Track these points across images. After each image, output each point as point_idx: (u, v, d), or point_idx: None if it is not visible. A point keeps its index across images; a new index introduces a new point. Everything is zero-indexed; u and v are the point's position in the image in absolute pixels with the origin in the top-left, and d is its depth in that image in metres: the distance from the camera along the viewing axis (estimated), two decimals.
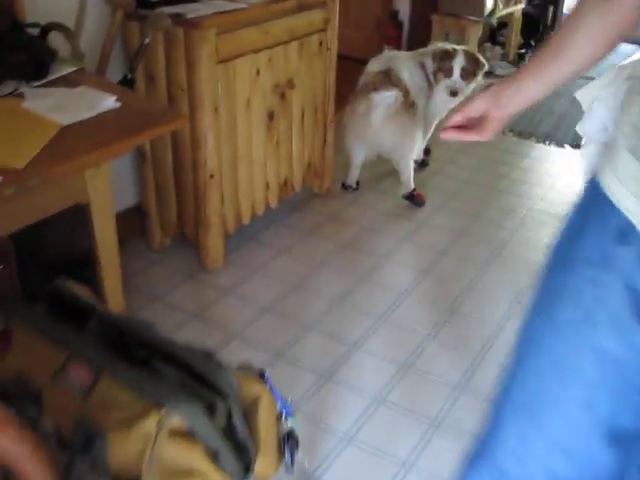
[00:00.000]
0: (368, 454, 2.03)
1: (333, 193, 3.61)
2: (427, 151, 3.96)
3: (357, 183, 3.68)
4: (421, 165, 3.92)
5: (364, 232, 3.29)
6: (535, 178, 4.01)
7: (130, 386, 0.97)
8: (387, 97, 3.28)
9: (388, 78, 3.36)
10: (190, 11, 2.43)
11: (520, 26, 6.17)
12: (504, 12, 5.61)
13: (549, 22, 6.75)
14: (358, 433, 2.10)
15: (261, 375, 1.12)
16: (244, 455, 1.04)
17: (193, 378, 1.00)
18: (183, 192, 2.80)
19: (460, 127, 1.27)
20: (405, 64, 3.51)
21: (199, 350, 1.07)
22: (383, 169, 3.77)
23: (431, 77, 3.54)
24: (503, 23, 6.02)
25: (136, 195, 2.99)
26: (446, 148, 4.07)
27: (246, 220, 3.01)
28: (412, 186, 3.54)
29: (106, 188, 1.93)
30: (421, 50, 3.67)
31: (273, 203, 3.16)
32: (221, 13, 2.50)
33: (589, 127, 1.97)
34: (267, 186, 3.06)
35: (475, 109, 1.23)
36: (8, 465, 0.84)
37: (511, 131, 4.57)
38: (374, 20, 5.61)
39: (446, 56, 3.50)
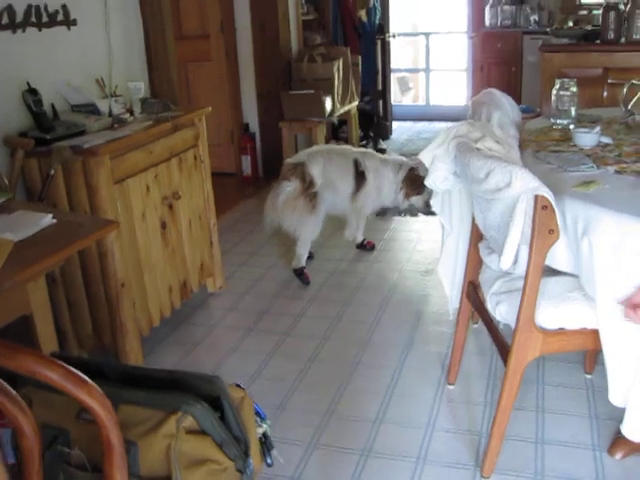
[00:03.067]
0: None
1: (226, 289, 3.94)
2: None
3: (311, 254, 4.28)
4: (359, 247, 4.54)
5: (264, 315, 3.63)
6: (398, 245, 4.52)
7: (145, 404, 1.26)
8: (287, 186, 3.93)
9: (295, 171, 3.98)
10: (84, 142, 2.76)
11: (357, 121, 6.84)
12: (342, 111, 6.25)
13: (381, 114, 7.52)
14: None
15: (239, 385, 1.43)
16: (241, 444, 1.35)
17: (196, 389, 1.30)
18: (96, 304, 3.05)
19: None
20: (320, 160, 4.08)
21: (203, 375, 1.36)
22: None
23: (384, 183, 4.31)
24: (343, 120, 6.67)
25: None
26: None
27: (156, 322, 3.28)
28: (302, 264, 4.06)
29: (45, 299, 2.20)
30: (360, 150, 4.47)
31: (177, 304, 3.45)
32: (112, 141, 2.85)
33: (434, 179, 2.46)
34: (170, 289, 3.36)
35: None
36: None
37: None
38: (228, 134, 6.09)
39: (418, 180, 4.17)
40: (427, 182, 2.49)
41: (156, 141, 3.17)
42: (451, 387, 2.89)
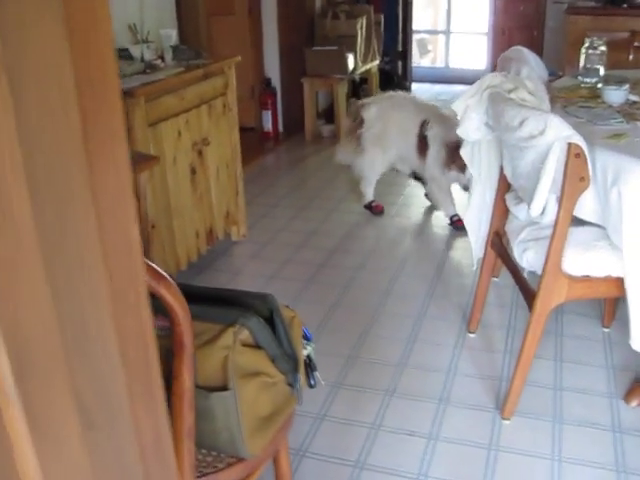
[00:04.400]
0: None
1: (249, 238, 4.01)
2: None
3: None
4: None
5: (286, 264, 3.70)
6: (420, 201, 4.58)
7: (203, 318, 1.33)
8: (345, 122, 4.46)
9: (352, 109, 4.31)
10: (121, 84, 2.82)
11: (378, 80, 6.85)
12: (363, 69, 6.27)
13: (401, 74, 7.53)
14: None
15: (288, 307, 1.50)
16: (291, 360, 1.42)
17: (251, 306, 1.37)
18: None
19: None
20: (382, 105, 4.19)
21: (256, 293, 1.43)
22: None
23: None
24: (364, 79, 6.69)
25: None
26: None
27: (183, 266, 3.35)
28: (367, 200, 4.33)
29: None
30: (425, 105, 4.21)
31: (203, 250, 3.52)
32: (146, 84, 2.91)
33: (466, 129, 2.51)
34: (197, 234, 3.43)
35: None
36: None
37: None
38: (249, 89, 6.12)
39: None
40: (459, 131, 2.55)
41: (187, 87, 3.22)
42: (472, 335, 2.97)
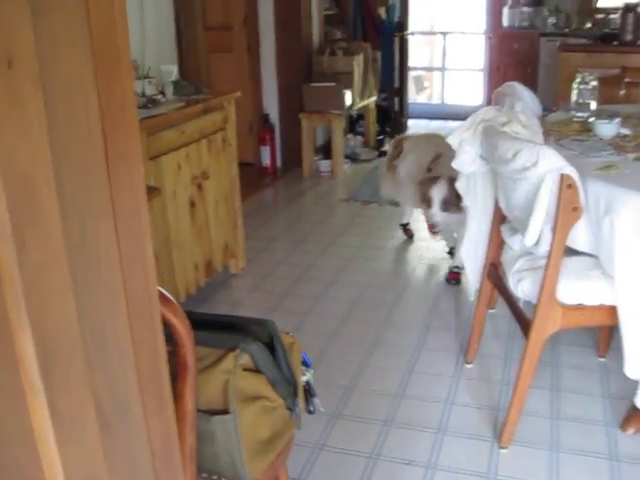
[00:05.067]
0: None
1: (247, 271, 4.05)
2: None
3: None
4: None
5: (285, 297, 3.73)
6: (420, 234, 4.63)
7: (204, 343, 1.36)
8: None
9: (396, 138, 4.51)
10: None
11: (375, 116, 6.95)
12: (360, 105, 6.36)
13: (398, 110, 7.64)
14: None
15: (288, 333, 1.54)
16: (290, 385, 1.46)
17: (251, 332, 1.40)
18: None
19: None
20: (411, 138, 4.27)
21: (256, 319, 1.47)
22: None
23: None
24: (360, 115, 6.78)
25: None
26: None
27: (182, 298, 3.39)
28: (404, 221, 4.47)
29: None
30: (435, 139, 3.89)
31: (202, 282, 3.56)
32: (147, 118, 2.96)
33: (461, 161, 2.58)
34: (196, 267, 3.47)
35: None
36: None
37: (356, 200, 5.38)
38: (247, 125, 6.20)
39: (428, 183, 3.51)
40: (454, 164, 2.60)
41: (188, 122, 3.28)
42: (469, 366, 2.99)
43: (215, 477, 1.44)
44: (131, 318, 0.59)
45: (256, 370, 1.39)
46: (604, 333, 3.00)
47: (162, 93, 3.43)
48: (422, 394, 2.80)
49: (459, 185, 2.79)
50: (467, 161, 2.55)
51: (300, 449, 2.45)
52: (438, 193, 3.43)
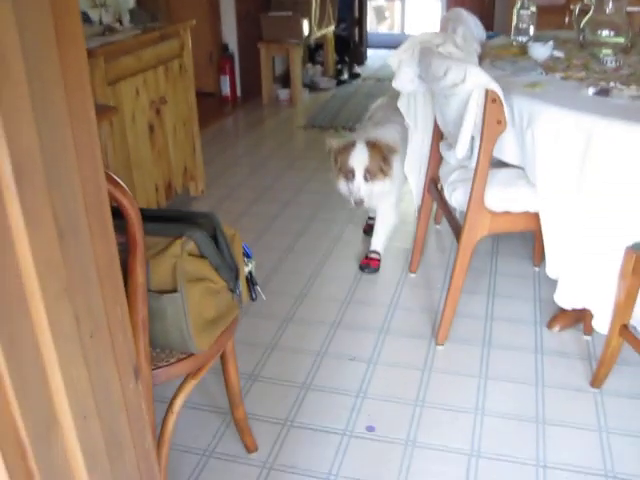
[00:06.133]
0: None
1: (206, 194, 4.21)
2: None
3: None
4: None
5: (243, 217, 3.92)
6: None
7: (154, 233, 1.53)
8: None
9: None
10: None
11: (334, 46, 7.04)
12: (319, 34, 6.45)
13: (357, 40, 7.73)
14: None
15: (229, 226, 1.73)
16: (232, 270, 1.65)
17: (196, 223, 1.59)
18: None
19: None
20: None
21: (200, 212, 1.65)
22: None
23: None
24: (320, 44, 6.87)
25: None
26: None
27: None
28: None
29: None
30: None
31: (162, 203, 3.72)
32: (105, 45, 3.08)
33: (401, 81, 2.76)
34: (156, 188, 3.63)
35: None
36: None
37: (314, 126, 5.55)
38: (207, 55, 6.27)
39: (345, 151, 3.04)
40: (394, 84, 2.78)
41: (145, 48, 3.40)
42: (413, 275, 3.22)
43: (167, 351, 1.64)
44: (79, 156, 0.77)
45: (201, 256, 1.58)
46: (539, 244, 3.23)
47: (119, 21, 3.53)
48: (368, 299, 3.03)
49: (400, 104, 2.96)
50: (406, 80, 2.73)
51: (254, 349, 2.68)
52: (359, 161, 3.00)
